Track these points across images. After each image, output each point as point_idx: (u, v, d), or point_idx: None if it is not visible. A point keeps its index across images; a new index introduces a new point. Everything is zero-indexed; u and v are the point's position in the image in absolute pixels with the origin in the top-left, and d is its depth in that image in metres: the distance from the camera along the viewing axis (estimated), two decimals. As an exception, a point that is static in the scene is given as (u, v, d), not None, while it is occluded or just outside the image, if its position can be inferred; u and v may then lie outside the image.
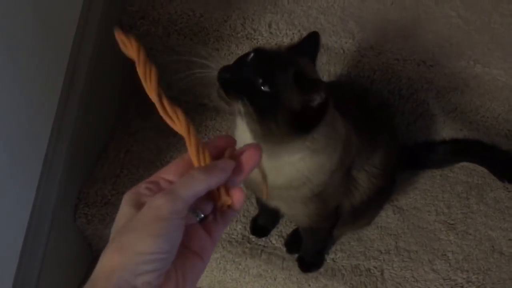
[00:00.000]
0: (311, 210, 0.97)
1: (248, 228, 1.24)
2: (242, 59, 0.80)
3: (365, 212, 1.12)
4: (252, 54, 0.80)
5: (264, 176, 0.79)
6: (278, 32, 1.22)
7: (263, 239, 1.23)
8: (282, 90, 0.77)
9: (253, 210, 1.26)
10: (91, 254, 1.36)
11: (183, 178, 0.48)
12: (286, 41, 1.21)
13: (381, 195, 1.11)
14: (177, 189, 0.46)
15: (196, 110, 1.45)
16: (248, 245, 1.22)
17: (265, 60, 0.79)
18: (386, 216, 1.27)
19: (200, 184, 0.47)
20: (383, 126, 1.07)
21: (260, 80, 0.76)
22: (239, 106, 0.77)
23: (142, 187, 0.49)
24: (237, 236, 1.24)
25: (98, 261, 0.45)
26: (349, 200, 1.03)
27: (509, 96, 1.16)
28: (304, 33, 1.21)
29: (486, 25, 1.25)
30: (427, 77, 1.19)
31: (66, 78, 1.15)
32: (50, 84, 1.12)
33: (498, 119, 1.21)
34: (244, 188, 1.08)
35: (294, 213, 1.03)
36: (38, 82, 1.07)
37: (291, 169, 0.86)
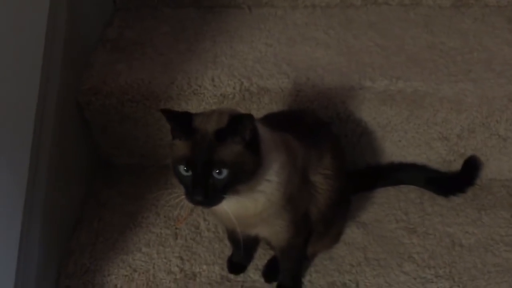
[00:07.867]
0: (286, 221, 1.07)
1: (225, 268, 1.30)
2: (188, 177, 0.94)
3: (332, 219, 1.21)
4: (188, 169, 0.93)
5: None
6: (221, 84, 1.35)
7: (241, 275, 1.29)
8: (231, 159, 0.92)
9: (227, 251, 1.33)
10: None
11: None
12: (229, 90, 1.34)
13: (342, 199, 1.20)
14: None
15: (160, 171, 1.53)
16: (228, 283, 1.28)
17: (200, 162, 0.92)
18: (352, 232, 1.36)
19: None
20: (324, 136, 1.18)
21: (217, 171, 0.92)
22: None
23: None
24: (216, 277, 1.29)
25: None
26: (316, 206, 1.13)
27: (431, 102, 1.31)
28: (244, 81, 1.35)
29: (400, 48, 1.43)
30: (358, 98, 1.33)
31: (32, 158, 1.21)
32: (16, 166, 1.16)
33: (428, 124, 1.35)
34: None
35: (274, 231, 1.11)
36: (3, 166, 1.11)
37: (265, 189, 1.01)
